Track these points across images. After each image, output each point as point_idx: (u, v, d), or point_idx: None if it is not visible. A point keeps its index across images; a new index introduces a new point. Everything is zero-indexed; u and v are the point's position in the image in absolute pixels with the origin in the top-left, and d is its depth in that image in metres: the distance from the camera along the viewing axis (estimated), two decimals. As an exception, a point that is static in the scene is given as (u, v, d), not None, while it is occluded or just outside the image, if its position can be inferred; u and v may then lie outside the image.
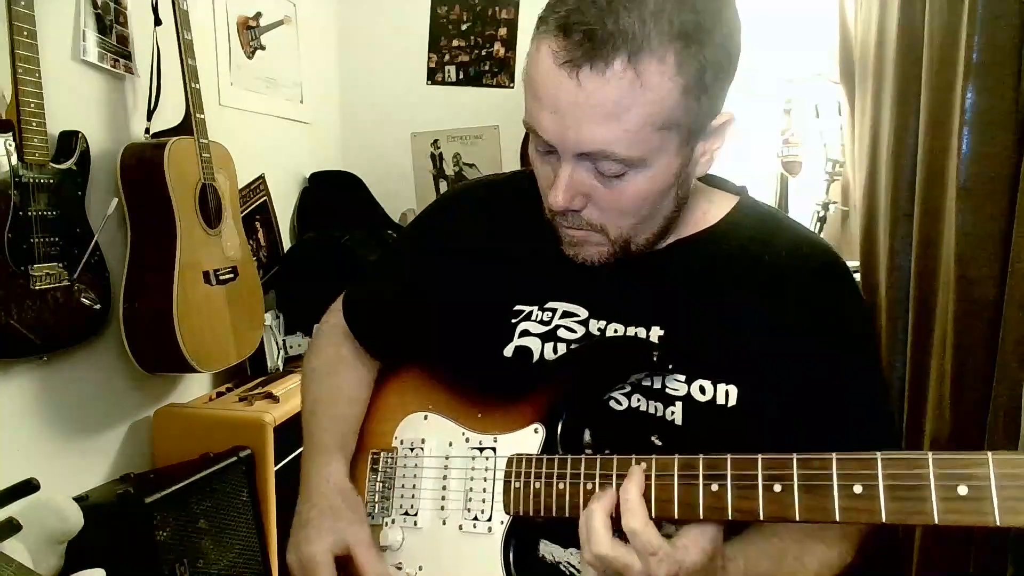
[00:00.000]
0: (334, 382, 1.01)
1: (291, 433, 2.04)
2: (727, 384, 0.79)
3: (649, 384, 0.82)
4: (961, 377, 1.37)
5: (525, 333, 0.87)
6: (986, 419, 1.30)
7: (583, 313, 0.86)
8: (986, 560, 1.31)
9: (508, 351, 0.87)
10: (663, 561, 0.66)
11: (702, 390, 0.80)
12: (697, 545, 0.67)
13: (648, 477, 0.70)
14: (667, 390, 0.81)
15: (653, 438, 0.81)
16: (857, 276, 1.97)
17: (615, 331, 0.84)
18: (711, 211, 0.88)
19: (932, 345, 1.52)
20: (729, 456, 0.67)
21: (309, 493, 0.92)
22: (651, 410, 0.81)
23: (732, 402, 0.79)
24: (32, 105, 1.50)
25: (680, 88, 0.69)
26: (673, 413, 0.80)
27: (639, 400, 0.82)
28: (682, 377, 0.80)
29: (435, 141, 3.04)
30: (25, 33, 1.48)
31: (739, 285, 0.83)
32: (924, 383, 1.55)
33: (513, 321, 0.88)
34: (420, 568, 0.88)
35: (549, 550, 0.85)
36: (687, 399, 0.80)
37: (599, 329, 0.85)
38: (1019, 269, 1.20)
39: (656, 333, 0.82)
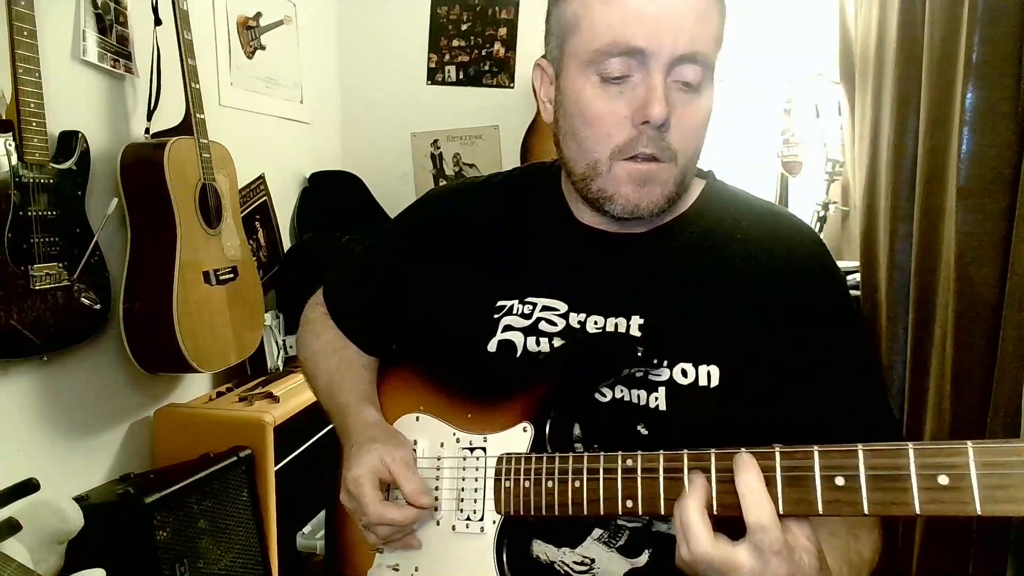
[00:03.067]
0: (343, 355, 1.03)
1: (291, 433, 2.05)
2: (708, 365, 0.79)
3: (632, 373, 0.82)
4: (961, 377, 1.36)
5: (508, 328, 0.88)
6: (986, 419, 1.30)
7: (563, 307, 0.87)
8: (986, 560, 1.31)
9: (492, 346, 0.88)
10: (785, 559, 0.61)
11: (684, 373, 0.80)
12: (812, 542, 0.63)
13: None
14: (650, 376, 0.81)
15: (639, 427, 0.81)
16: (857, 276, 1.98)
17: (595, 323, 0.85)
18: (682, 197, 0.87)
19: (932, 345, 1.51)
20: (713, 451, 0.66)
21: (348, 438, 0.92)
22: (634, 399, 0.82)
23: (715, 382, 0.79)
24: (32, 105, 1.51)
25: (723, 12, 0.78)
26: (657, 399, 0.80)
27: (622, 391, 0.82)
28: (664, 362, 0.81)
29: (435, 141, 3.04)
30: (25, 33, 1.48)
31: (713, 268, 0.84)
32: (924, 383, 1.55)
33: (495, 316, 0.89)
34: (416, 569, 0.88)
35: (542, 549, 0.85)
36: (669, 383, 0.80)
37: (579, 322, 0.85)
38: (1019, 269, 1.20)
39: (636, 322, 0.83)
